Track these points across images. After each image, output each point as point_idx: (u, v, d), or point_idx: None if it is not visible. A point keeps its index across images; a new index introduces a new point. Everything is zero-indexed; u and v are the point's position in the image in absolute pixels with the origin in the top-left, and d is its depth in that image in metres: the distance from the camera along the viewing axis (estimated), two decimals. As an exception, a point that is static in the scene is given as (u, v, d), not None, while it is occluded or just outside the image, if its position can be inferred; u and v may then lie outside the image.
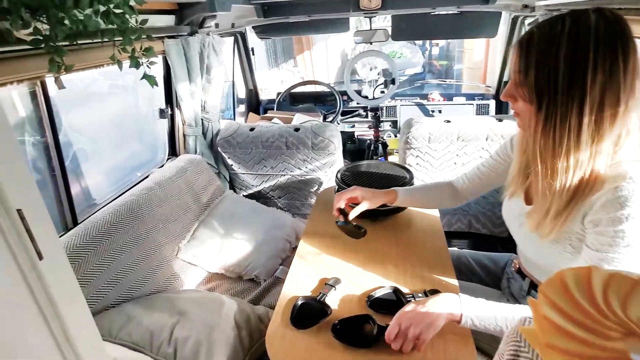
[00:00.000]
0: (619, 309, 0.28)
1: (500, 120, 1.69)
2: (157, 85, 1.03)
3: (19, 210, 0.35)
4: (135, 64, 1.04)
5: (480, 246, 1.91)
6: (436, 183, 1.21)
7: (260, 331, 1.09)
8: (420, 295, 0.95)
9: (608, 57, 0.66)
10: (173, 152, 1.86)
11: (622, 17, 0.67)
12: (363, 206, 1.10)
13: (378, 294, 0.98)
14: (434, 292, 0.95)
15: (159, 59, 1.65)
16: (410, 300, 0.91)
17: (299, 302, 0.97)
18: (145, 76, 1.02)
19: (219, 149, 1.89)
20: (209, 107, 1.90)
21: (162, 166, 1.68)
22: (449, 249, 1.36)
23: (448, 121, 1.72)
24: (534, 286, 0.96)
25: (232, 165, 1.94)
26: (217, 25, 1.94)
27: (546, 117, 0.72)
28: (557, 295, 0.29)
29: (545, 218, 0.78)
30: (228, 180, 2.02)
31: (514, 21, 2.20)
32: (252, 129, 1.84)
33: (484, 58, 5.57)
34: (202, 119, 1.91)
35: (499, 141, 1.69)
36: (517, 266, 1.03)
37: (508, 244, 1.83)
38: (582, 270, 0.31)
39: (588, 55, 0.66)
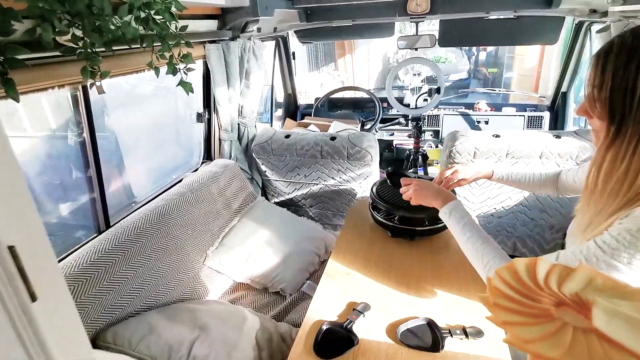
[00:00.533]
0: (555, 286, 0.37)
1: (558, 137, 1.53)
2: (192, 92, 1.02)
3: (10, 248, 0.31)
4: (172, 71, 1.03)
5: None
6: (546, 172, 1.16)
7: (282, 352, 1.04)
8: (458, 331, 0.86)
9: None
10: (208, 156, 1.86)
11: None
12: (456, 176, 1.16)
13: (410, 325, 0.90)
14: (476, 331, 0.86)
15: (198, 64, 1.65)
16: (445, 336, 0.85)
17: (324, 328, 0.90)
18: (182, 83, 1.00)
19: (254, 155, 1.88)
20: (246, 112, 1.89)
21: (196, 170, 1.68)
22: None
23: (497, 135, 1.58)
24: None
25: (265, 171, 1.92)
26: (259, 30, 1.92)
27: (615, 135, 0.67)
28: (506, 273, 0.39)
29: (582, 220, 0.75)
30: (260, 186, 2.00)
31: (578, 27, 2.01)
32: (287, 136, 1.80)
33: (537, 65, 5.23)
34: (238, 124, 1.90)
35: (555, 160, 1.53)
36: None
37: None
38: (531, 260, 0.39)
39: None
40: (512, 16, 2.03)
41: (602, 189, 0.70)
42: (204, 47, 1.58)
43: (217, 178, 1.58)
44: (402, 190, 1.06)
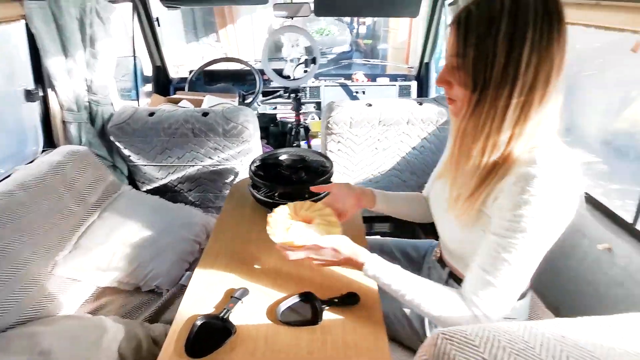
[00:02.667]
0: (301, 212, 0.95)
1: (420, 103, 1.65)
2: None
3: None
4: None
5: (402, 230, 1.91)
6: (414, 194, 1.11)
7: (154, 358, 0.93)
8: (336, 300, 0.87)
9: (545, 35, 0.63)
10: (50, 143, 1.53)
11: None
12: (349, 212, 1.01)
13: (290, 303, 0.87)
14: (352, 295, 0.88)
15: (17, 26, 1.31)
16: (324, 307, 0.85)
17: (198, 323, 0.82)
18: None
19: (112, 138, 1.61)
20: (97, 88, 1.59)
21: (32, 161, 1.37)
22: (374, 237, 1.32)
23: (369, 105, 1.64)
24: (452, 276, 0.93)
25: (129, 156, 1.67)
26: (104, -13, 1.61)
27: (477, 101, 0.68)
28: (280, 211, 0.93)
29: (458, 200, 0.76)
30: (126, 174, 1.74)
31: (434, 1, 2.17)
32: (151, 114, 1.58)
33: (407, 38, 5.68)
34: (88, 102, 1.60)
35: (420, 125, 1.66)
36: (438, 255, 1.00)
37: (429, 229, 1.85)
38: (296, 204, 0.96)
39: (527, 33, 0.62)
40: None
41: (466, 156, 0.72)
42: (22, 4, 1.24)
43: (62, 169, 1.31)
44: (292, 257, 0.85)
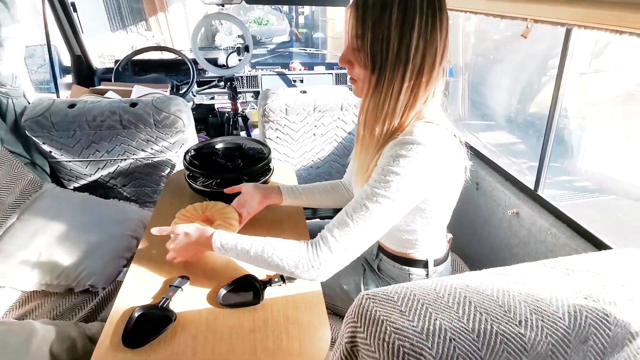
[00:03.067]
0: (206, 212, 1.03)
1: (351, 89, 1.72)
2: None
3: None
4: None
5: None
6: (331, 183, 1.14)
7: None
8: (276, 279, 0.90)
9: (430, 22, 0.70)
10: (-47, 141, 1.37)
11: None
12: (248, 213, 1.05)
13: (230, 286, 0.89)
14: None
15: None
16: (265, 287, 0.88)
17: (136, 315, 0.81)
18: None
19: (28, 133, 1.47)
20: (5, 79, 1.44)
21: None
22: (314, 220, 1.36)
23: (304, 92, 1.68)
24: (381, 250, 1.00)
25: (50, 152, 1.54)
26: (5, -33, 1.45)
27: (377, 82, 0.74)
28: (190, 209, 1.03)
29: (361, 171, 0.83)
30: (48, 171, 1.61)
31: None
32: (71, 106, 1.47)
33: (344, 28, 5.79)
34: (-5, 95, 1.45)
35: (353, 110, 1.73)
36: None
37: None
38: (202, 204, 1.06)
39: (415, 19, 0.69)
40: None
41: (370, 133, 0.79)
42: None
43: (-31, 168, 1.18)
44: (168, 257, 0.92)
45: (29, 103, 1.56)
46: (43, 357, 0.82)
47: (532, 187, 1.24)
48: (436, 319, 0.43)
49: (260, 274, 0.92)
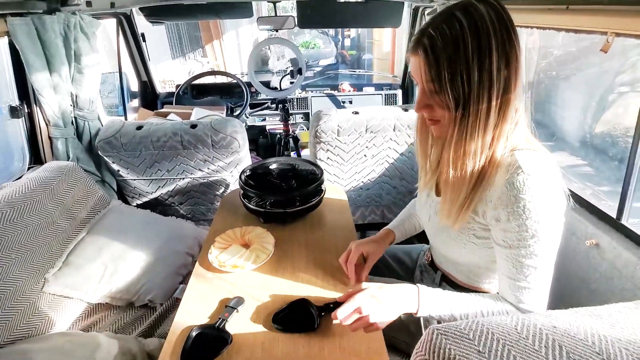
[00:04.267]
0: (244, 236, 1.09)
1: (406, 110, 1.69)
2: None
3: None
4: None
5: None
6: (411, 205, 1.16)
7: (150, 373, 0.92)
8: (332, 305, 0.87)
9: (506, 38, 0.67)
10: (37, 160, 1.51)
11: (501, 3, 0.68)
12: (371, 262, 0.98)
13: (286, 310, 0.87)
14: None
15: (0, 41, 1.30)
16: (320, 313, 0.84)
17: (193, 334, 0.81)
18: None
19: (100, 153, 1.59)
20: (83, 103, 1.58)
21: (19, 178, 1.34)
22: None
23: (356, 112, 1.67)
24: (445, 279, 0.95)
25: (118, 170, 1.66)
26: (89, 4, 1.61)
27: (462, 118, 0.70)
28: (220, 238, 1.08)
29: (451, 209, 0.77)
30: (115, 188, 1.73)
31: (415, 11, 2.24)
32: (139, 128, 1.57)
33: (391, 49, 5.80)
34: (75, 118, 1.59)
35: (406, 131, 1.69)
36: (430, 259, 1.02)
37: (421, 234, 1.87)
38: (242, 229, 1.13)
39: (490, 42, 0.66)
40: (361, 0, 2.15)
41: (460, 171, 0.73)
42: (5, 20, 1.24)
43: (50, 185, 1.29)
44: (343, 311, 0.76)
45: (102, 125, 1.70)
46: (106, 371, 0.84)
47: (613, 214, 1.12)
48: (521, 364, 0.38)
49: (316, 299, 0.89)
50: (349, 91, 2.74)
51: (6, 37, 1.33)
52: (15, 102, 1.44)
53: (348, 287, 0.92)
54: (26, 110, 1.46)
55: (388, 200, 1.89)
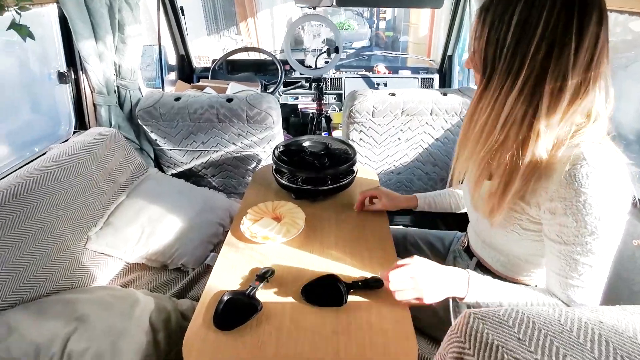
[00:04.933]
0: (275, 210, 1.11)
1: (444, 94, 1.63)
2: (31, 37, 0.81)
3: None
4: None
5: (423, 222, 1.90)
6: (448, 191, 1.16)
7: (183, 330, 0.96)
8: (360, 283, 0.88)
9: (561, 21, 0.60)
10: (82, 125, 1.58)
11: None
12: (377, 205, 1.12)
13: (314, 283, 0.89)
14: (376, 279, 0.89)
15: (50, 9, 1.35)
16: (348, 289, 0.85)
17: (225, 298, 0.84)
18: (13, 25, 0.78)
19: (140, 122, 1.65)
20: (125, 72, 1.63)
21: (66, 141, 1.41)
22: (396, 227, 1.32)
23: (393, 94, 1.63)
24: (480, 266, 0.93)
25: (156, 140, 1.71)
26: (133, -25, 1.64)
27: (485, 86, 0.69)
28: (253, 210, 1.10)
29: (501, 195, 0.73)
30: (153, 157, 1.78)
31: (459, -8, 2.14)
32: (177, 99, 1.61)
33: (428, 33, 5.60)
34: (117, 86, 1.64)
35: (443, 116, 1.64)
36: (465, 244, 1.00)
37: (450, 220, 1.84)
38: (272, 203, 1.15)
39: (540, 18, 0.60)
40: None
41: (473, 137, 0.72)
42: (56, -13, 1.28)
43: (93, 149, 1.35)
44: (391, 277, 0.76)
45: (142, 95, 1.75)
46: (144, 325, 0.89)
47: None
48: (565, 356, 0.37)
49: (344, 276, 0.90)
50: (384, 73, 2.68)
51: (56, 5, 1.37)
52: (64, 68, 1.50)
53: (378, 271, 0.92)
54: (73, 77, 1.52)
55: (419, 186, 1.86)
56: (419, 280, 0.73)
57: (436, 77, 2.56)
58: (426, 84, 2.55)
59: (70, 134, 1.55)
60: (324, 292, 0.87)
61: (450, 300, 0.95)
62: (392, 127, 1.67)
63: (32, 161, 1.23)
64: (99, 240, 1.25)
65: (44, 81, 1.49)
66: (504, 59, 0.64)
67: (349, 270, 0.93)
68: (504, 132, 0.67)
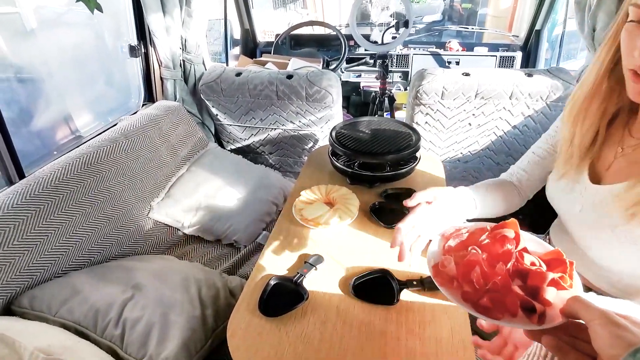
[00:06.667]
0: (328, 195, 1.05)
1: (529, 75, 1.43)
2: (99, 10, 0.81)
3: None
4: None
5: (489, 219, 1.74)
6: (500, 181, 0.94)
7: (230, 308, 0.97)
8: (415, 282, 0.80)
9: None
10: (150, 98, 1.65)
11: None
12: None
13: (365, 277, 0.83)
14: (432, 280, 0.81)
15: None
16: (401, 288, 0.78)
17: (272, 283, 0.82)
18: (83, -4, 0.80)
19: (202, 96, 1.67)
20: (190, 47, 1.65)
21: (134, 113, 1.48)
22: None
23: (467, 74, 1.47)
24: (590, 291, 0.77)
25: (217, 115, 1.73)
26: (201, -53, 1.63)
27: None
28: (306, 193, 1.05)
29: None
30: (213, 132, 1.82)
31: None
32: (238, 74, 1.60)
33: (512, 5, 5.03)
34: (182, 60, 1.67)
35: (525, 100, 1.44)
36: None
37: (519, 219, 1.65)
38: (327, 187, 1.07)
39: None
40: None
41: None
42: (130, -38, 1.31)
43: (158, 122, 1.40)
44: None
45: (205, 70, 1.77)
46: (194, 299, 0.91)
47: None
48: None
49: (397, 273, 0.83)
50: (457, 50, 2.45)
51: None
52: (135, 42, 1.55)
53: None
54: (143, 51, 1.57)
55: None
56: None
57: (518, 55, 2.27)
58: (505, 62, 2.28)
59: (140, 106, 1.62)
60: (374, 288, 0.81)
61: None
62: (463, 111, 1.51)
63: (104, 131, 1.30)
64: (160, 210, 1.31)
65: (117, 54, 1.56)
66: None
67: (402, 266, 0.86)
68: None
